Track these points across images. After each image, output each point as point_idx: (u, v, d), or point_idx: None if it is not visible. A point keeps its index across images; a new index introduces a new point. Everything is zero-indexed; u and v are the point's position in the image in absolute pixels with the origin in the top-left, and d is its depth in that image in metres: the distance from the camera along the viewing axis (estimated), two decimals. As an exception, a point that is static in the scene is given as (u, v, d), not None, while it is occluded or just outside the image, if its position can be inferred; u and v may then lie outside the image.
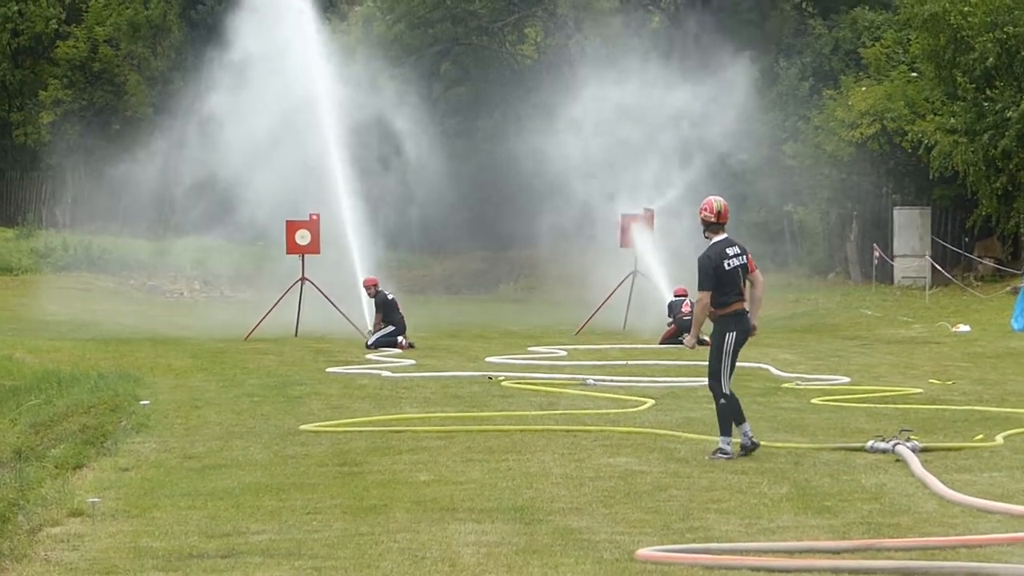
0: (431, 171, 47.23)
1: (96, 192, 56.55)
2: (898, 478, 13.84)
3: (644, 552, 10.57)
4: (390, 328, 31.35)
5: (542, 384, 22.68)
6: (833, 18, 55.70)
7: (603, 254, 39.99)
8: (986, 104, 44.30)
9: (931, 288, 44.35)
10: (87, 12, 66.98)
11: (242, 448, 16.06)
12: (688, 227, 33.39)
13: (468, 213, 51.87)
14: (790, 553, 10.64)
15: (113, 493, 13.25)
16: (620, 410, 19.22)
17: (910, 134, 45.99)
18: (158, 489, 13.49)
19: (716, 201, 15.31)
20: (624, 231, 36.72)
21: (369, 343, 30.97)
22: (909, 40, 49.58)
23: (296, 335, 33.11)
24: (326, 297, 33.66)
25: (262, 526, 11.76)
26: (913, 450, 14.84)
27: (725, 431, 15.04)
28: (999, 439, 16.16)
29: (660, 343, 31.73)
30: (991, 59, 44.45)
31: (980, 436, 16.45)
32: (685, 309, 31.16)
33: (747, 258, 15.19)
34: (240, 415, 18.97)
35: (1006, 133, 43.71)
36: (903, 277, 46.76)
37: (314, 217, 33.67)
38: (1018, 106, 43.49)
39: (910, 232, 47.34)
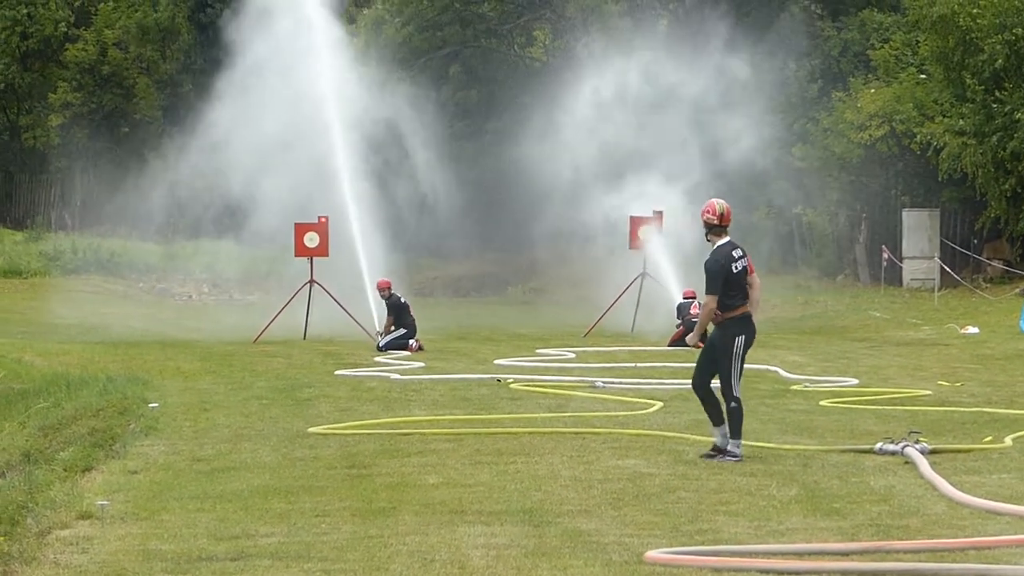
0: (440, 173, 47.31)
1: (105, 195, 56.49)
2: (907, 480, 13.83)
3: (653, 554, 10.56)
4: (401, 331, 31.33)
5: (551, 386, 22.65)
6: (842, 20, 55.63)
7: (611, 256, 39.99)
8: (995, 106, 44.24)
9: (940, 290, 44.29)
10: (96, 15, 66.96)
11: (251, 451, 16.06)
12: (696, 229, 33.34)
13: (477, 215, 51.85)
14: (799, 555, 10.64)
15: (122, 496, 13.24)
16: (629, 412, 19.21)
17: (919, 136, 45.93)
18: (167, 492, 13.49)
19: (718, 203, 15.32)
20: (633, 233, 36.73)
21: (380, 345, 30.98)
22: (918, 42, 49.53)
23: (305, 338, 33.12)
24: (335, 300, 33.67)
25: (271, 529, 11.76)
26: (922, 452, 14.84)
27: (735, 434, 15.05)
28: (1008, 441, 16.14)
29: (668, 345, 31.71)
30: (1000, 61, 44.39)
31: (989, 438, 16.43)
32: (694, 311, 31.15)
33: (748, 261, 15.24)
34: (249, 418, 18.97)
35: (1015, 135, 43.66)
36: (912, 279, 46.68)
37: (323, 220, 33.63)
38: (1027, 108, 43.51)
39: (919, 234, 47.27)
